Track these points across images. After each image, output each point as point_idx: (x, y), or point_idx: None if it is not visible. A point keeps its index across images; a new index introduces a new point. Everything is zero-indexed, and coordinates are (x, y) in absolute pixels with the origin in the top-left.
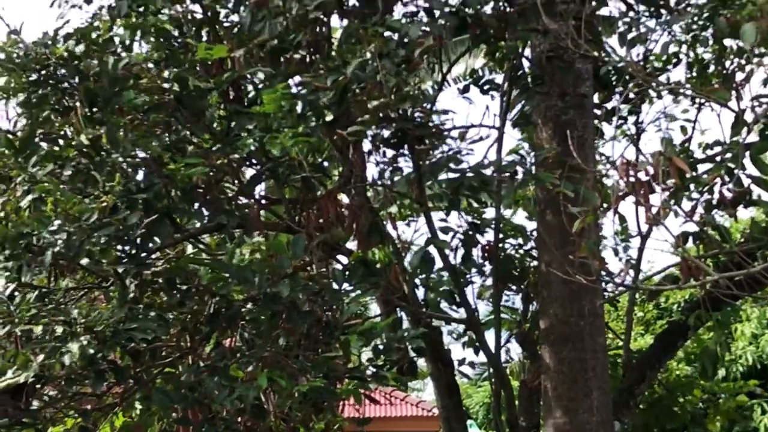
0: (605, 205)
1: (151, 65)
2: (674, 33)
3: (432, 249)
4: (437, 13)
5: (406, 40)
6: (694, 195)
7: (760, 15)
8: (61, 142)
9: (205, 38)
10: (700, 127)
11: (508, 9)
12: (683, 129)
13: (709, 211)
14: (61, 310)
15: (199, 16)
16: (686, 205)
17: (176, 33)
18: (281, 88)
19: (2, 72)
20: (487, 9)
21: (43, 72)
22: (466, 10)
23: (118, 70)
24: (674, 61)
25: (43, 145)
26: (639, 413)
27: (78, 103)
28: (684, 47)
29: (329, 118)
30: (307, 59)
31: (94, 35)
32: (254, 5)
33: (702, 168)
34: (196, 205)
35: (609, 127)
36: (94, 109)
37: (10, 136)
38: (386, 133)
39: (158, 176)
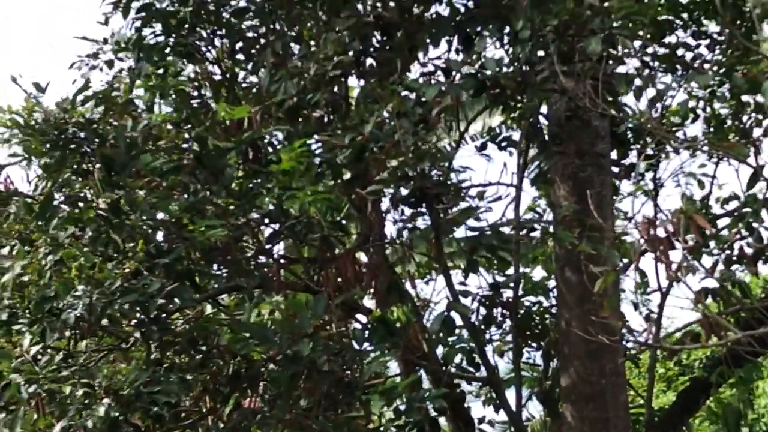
0: (625, 260)
1: (170, 126)
2: (691, 89)
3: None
4: (455, 73)
5: (423, 99)
6: (714, 251)
7: None
8: (81, 204)
9: (223, 99)
10: (718, 182)
11: (525, 70)
12: (701, 184)
13: (729, 267)
14: (85, 371)
15: (218, 77)
16: (706, 261)
17: (195, 94)
18: (299, 147)
19: (22, 136)
20: (505, 70)
21: (63, 136)
22: (484, 71)
23: (136, 133)
24: (691, 116)
25: (64, 207)
26: None
27: (97, 166)
28: (701, 102)
29: (347, 176)
30: (325, 118)
31: (113, 95)
32: (273, 66)
33: (721, 223)
34: (216, 266)
35: (627, 184)
36: (112, 173)
37: (31, 200)
38: (404, 191)
39: (178, 238)
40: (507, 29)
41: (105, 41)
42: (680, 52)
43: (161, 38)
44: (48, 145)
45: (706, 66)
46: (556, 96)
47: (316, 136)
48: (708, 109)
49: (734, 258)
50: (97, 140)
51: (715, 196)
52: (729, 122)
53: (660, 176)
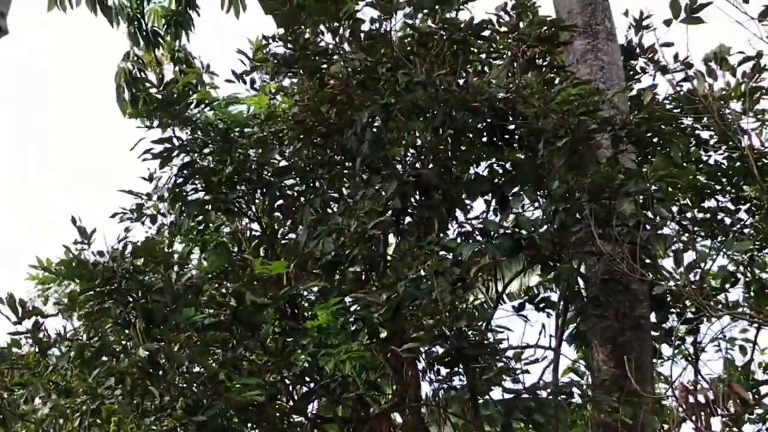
0: (665, 427)
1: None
2: (731, 253)
3: None
4: (492, 233)
5: (460, 258)
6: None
7: None
8: (121, 355)
9: (262, 254)
10: (759, 348)
11: (561, 231)
12: (743, 349)
13: None
14: None
15: (257, 233)
16: (749, 430)
17: (235, 249)
18: (334, 303)
19: (67, 283)
20: (541, 231)
21: (108, 286)
22: (521, 232)
23: (179, 285)
24: (732, 280)
25: (104, 358)
26: None
27: (137, 318)
28: (741, 267)
29: (383, 335)
30: (362, 275)
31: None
32: (312, 222)
33: (764, 389)
34: (250, 424)
35: (667, 348)
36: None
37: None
38: (440, 350)
39: (215, 395)
40: (542, 191)
41: (148, 196)
42: (719, 216)
43: (202, 194)
44: (93, 293)
45: (746, 231)
46: (594, 259)
47: (352, 294)
48: (748, 274)
49: None
50: (141, 291)
51: (758, 361)
52: None
53: (701, 340)
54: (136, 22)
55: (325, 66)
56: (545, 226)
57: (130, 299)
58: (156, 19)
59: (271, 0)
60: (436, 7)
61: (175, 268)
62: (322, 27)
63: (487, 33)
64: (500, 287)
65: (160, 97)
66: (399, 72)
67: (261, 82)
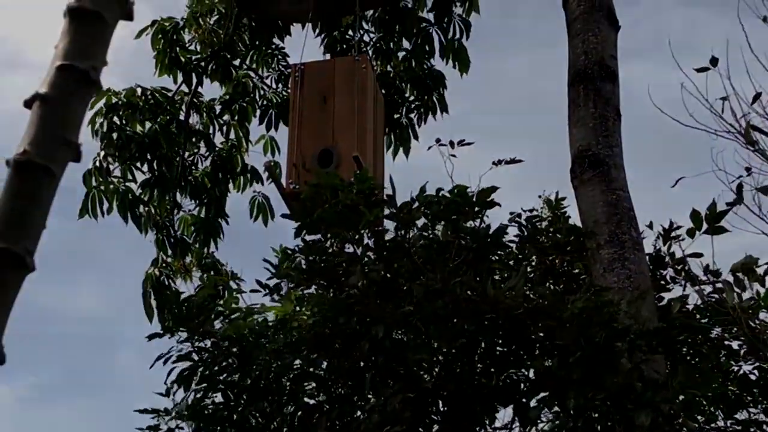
0: None
1: None
2: None
3: None
4: None
5: None
6: None
7: None
8: None
9: None
10: None
11: None
12: None
13: None
14: None
15: None
16: None
17: None
18: None
19: None
20: None
21: None
22: None
23: None
24: None
25: None
26: None
27: None
28: None
29: None
30: None
31: None
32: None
33: None
34: None
35: None
36: None
37: None
38: None
39: None
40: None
41: (166, 411)
42: (751, 429)
43: (220, 407)
44: None
45: None
46: None
47: None
48: None
49: None
50: None
51: None
52: None
53: None
54: (164, 230)
55: (343, 276)
56: None
57: None
58: (185, 227)
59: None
60: (453, 217)
61: None
62: (343, 237)
63: (506, 241)
64: None
65: (177, 312)
66: (416, 283)
67: (286, 289)
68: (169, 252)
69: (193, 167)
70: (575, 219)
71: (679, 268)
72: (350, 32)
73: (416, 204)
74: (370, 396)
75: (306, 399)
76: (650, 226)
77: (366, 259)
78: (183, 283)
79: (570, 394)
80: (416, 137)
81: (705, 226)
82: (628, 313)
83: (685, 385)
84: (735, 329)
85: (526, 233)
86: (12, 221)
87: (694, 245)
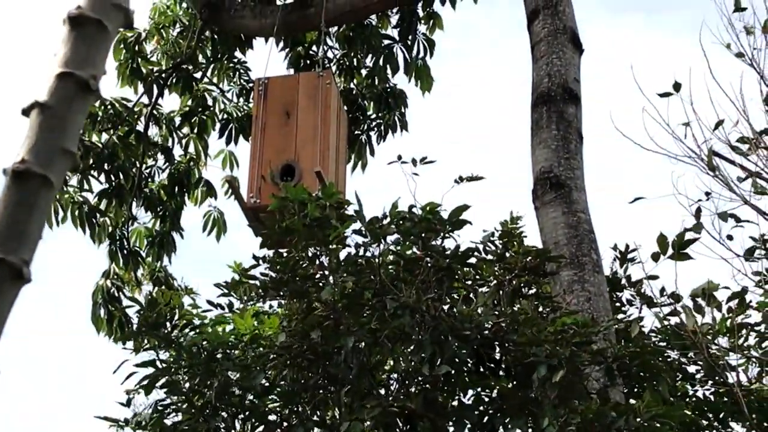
0: None
1: None
2: None
3: None
4: None
5: None
6: None
7: None
8: None
9: None
10: None
11: None
12: None
13: None
14: None
15: None
16: None
17: None
18: None
19: None
20: None
21: None
22: None
23: None
24: None
25: None
26: None
27: None
28: None
29: None
30: None
31: None
32: None
33: None
34: None
35: None
36: None
37: None
38: None
39: None
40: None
41: (126, 422)
42: None
43: (182, 417)
44: None
45: None
46: None
47: None
48: None
49: None
50: None
51: None
52: None
53: None
54: (118, 242)
55: (312, 290)
56: None
57: None
58: (139, 239)
59: (258, 222)
60: (423, 234)
61: None
62: (311, 251)
63: (473, 260)
64: None
65: (147, 319)
66: (387, 297)
67: (240, 305)
68: (121, 264)
69: (149, 179)
70: (535, 239)
71: (637, 289)
72: (314, 48)
73: (387, 219)
74: (336, 415)
75: (270, 416)
76: (615, 248)
77: (334, 274)
78: (132, 296)
79: (543, 416)
80: (372, 153)
81: (670, 251)
82: (605, 336)
83: (653, 413)
84: (692, 353)
85: (498, 252)
86: (9, 231)
87: (652, 269)
